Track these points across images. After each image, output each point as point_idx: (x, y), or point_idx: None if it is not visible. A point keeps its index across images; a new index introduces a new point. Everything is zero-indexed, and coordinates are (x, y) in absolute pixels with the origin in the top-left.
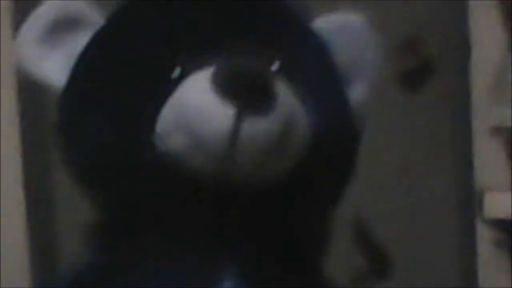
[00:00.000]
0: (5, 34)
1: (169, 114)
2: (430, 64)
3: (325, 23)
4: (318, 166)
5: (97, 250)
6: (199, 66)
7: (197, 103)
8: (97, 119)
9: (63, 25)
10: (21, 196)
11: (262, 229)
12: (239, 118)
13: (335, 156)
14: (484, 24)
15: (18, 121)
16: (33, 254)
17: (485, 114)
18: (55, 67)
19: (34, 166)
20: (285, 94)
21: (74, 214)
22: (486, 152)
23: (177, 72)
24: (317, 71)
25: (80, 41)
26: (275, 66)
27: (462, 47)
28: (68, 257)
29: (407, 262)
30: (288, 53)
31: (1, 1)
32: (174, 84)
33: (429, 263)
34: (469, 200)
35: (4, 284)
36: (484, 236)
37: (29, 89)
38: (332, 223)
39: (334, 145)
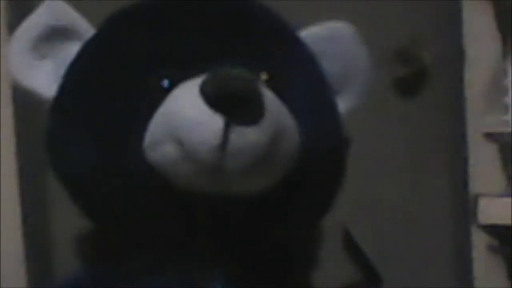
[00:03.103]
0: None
1: (158, 124)
2: (424, 70)
3: (313, 33)
4: (307, 176)
5: (89, 260)
6: (188, 76)
7: (186, 113)
8: (86, 129)
9: (53, 35)
10: (16, 205)
11: (251, 238)
12: (228, 128)
13: (324, 165)
14: (478, 30)
15: (13, 127)
16: (29, 264)
17: (480, 119)
18: (45, 77)
19: (30, 174)
20: (273, 104)
21: (69, 224)
22: (480, 158)
23: (166, 82)
24: (306, 81)
25: (70, 51)
26: (263, 77)
27: (456, 53)
28: (63, 268)
29: (402, 267)
30: (276, 64)
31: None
32: (164, 94)
33: (424, 269)
34: (463, 205)
35: None
36: (479, 242)
37: (24, 95)
38: (322, 232)
39: (323, 155)
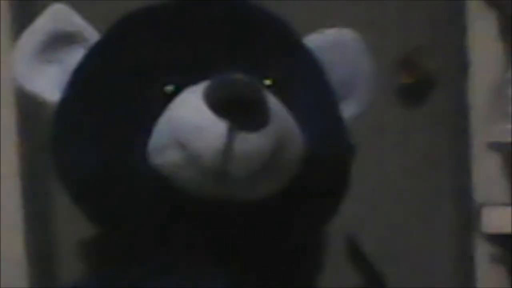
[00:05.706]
0: (4, 46)
1: (162, 129)
2: (429, 78)
3: (318, 39)
4: (312, 181)
5: (93, 266)
6: (192, 81)
7: (190, 118)
8: (91, 134)
9: (58, 41)
10: (19, 211)
11: (255, 244)
12: (232, 133)
13: (328, 171)
14: (482, 39)
15: (17, 134)
16: (31, 270)
17: (484, 129)
18: (49, 82)
19: (33, 179)
20: (277, 110)
21: (72, 230)
22: (484, 167)
23: (170, 87)
24: (310, 87)
25: (75, 56)
26: (267, 82)
27: (461, 62)
28: (67, 274)
29: (405, 276)
30: (280, 69)
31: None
32: (168, 99)
33: (427, 277)
34: (467, 215)
35: None
36: (483, 251)
37: (27, 100)
38: (326, 238)
39: (327, 161)
